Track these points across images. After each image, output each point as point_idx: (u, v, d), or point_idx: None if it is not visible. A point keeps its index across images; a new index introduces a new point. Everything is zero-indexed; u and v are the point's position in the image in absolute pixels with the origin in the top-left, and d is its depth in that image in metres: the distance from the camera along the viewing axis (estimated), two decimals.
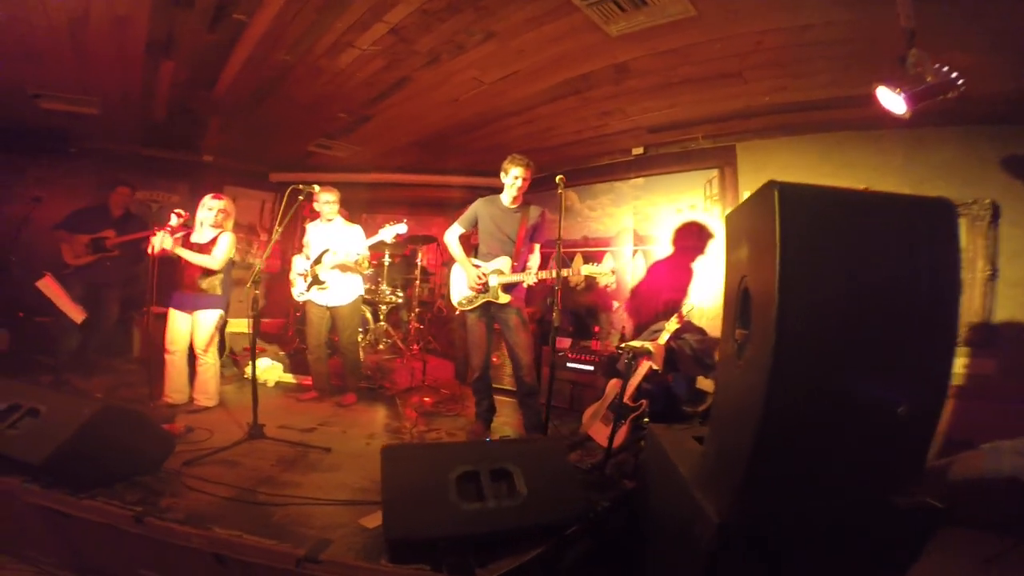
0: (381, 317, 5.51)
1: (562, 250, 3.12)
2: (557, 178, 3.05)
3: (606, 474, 2.86)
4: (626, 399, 3.39)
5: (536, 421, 3.49)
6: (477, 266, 3.50)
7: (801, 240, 1.39)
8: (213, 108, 4.49)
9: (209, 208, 3.74)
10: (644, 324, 4.79)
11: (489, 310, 3.51)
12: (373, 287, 5.39)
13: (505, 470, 2.11)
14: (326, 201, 4.02)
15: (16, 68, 3.66)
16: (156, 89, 4.07)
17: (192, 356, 3.73)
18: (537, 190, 5.94)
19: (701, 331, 3.93)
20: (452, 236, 3.60)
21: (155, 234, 4.45)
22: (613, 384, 3.61)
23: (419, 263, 5.61)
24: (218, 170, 5.86)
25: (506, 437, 3.57)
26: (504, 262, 3.46)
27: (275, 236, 3.60)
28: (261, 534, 1.94)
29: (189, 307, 3.70)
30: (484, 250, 3.55)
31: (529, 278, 3.36)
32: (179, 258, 3.65)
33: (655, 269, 4.92)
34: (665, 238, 4.85)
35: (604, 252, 5.39)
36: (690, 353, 3.76)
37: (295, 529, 2.04)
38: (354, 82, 3.90)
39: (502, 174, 3.46)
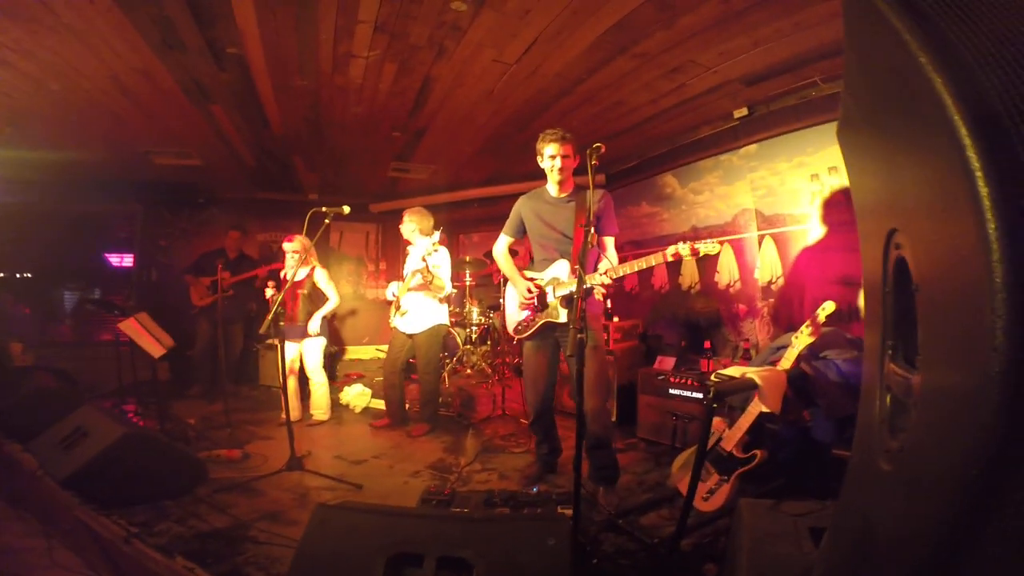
0: (471, 340, 5.20)
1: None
2: (591, 147, 2.06)
3: (678, 552, 2.04)
4: (730, 447, 2.47)
5: (604, 475, 2.73)
6: (531, 279, 2.79)
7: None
8: (285, 146, 4.71)
9: (288, 252, 4.06)
10: (781, 334, 3.64)
11: (552, 334, 2.77)
12: (459, 309, 5.13)
13: (461, 561, 1.54)
14: (402, 224, 4.00)
15: (113, 129, 4.19)
16: (228, 135, 4.36)
17: (305, 379, 4.21)
18: (630, 179, 5.13)
19: (856, 343, 2.71)
20: (499, 248, 2.99)
21: (264, 271, 4.93)
22: (717, 424, 2.60)
23: (503, 279, 5.16)
24: (323, 207, 6.24)
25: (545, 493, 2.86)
26: (562, 267, 2.70)
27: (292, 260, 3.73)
28: (215, 571, 1.97)
29: (297, 337, 4.06)
30: (539, 257, 2.84)
31: (595, 279, 2.48)
32: (287, 295, 4.00)
33: (792, 258, 3.73)
34: (802, 215, 3.63)
35: (721, 243, 4.28)
36: (838, 379, 2.57)
37: (251, 571, 2.00)
38: (382, 95, 3.67)
39: (538, 158, 2.77)
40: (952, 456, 0.58)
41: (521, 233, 2.92)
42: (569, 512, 2.28)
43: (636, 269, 2.45)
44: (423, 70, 3.31)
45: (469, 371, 5.07)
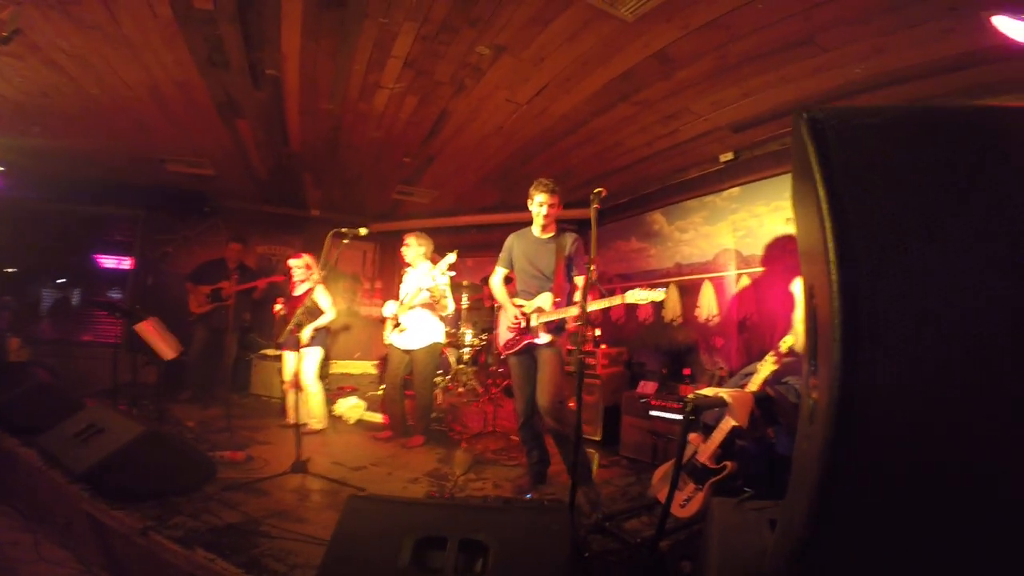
0: (464, 360, 5.38)
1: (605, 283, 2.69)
2: (593, 192, 2.63)
3: (657, 551, 2.27)
4: (704, 459, 2.72)
5: (579, 473, 2.86)
6: (520, 306, 3.18)
7: (864, 191, 0.84)
8: (300, 164, 4.93)
9: (293, 268, 4.31)
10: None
11: (533, 351, 3.13)
12: (454, 330, 5.32)
13: (478, 543, 1.72)
14: (406, 247, 4.18)
15: (136, 137, 4.37)
16: (247, 149, 4.57)
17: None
18: (620, 215, 5.45)
19: (813, 372, 3.01)
20: (495, 279, 3.40)
21: (264, 284, 5.08)
22: (693, 439, 2.91)
23: (495, 304, 5.38)
24: (324, 223, 6.41)
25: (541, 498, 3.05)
26: (545, 299, 3.09)
27: (314, 276, 3.84)
28: (234, 561, 2.04)
29: (295, 347, 4.15)
30: (521, 287, 3.25)
31: (571, 311, 2.94)
32: (285, 306, 4.26)
33: (765, 296, 4.03)
34: (775, 256, 3.96)
35: (701, 280, 4.61)
36: (796, 401, 2.86)
37: (268, 563, 2.07)
38: (400, 124, 3.94)
39: (528, 202, 3.18)
40: (823, 416, 0.83)
41: (511, 265, 3.32)
42: None
43: (608, 305, 2.86)
44: (441, 103, 3.60)
45: (461, 389, 5.22)
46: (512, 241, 3.31)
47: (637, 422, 3.95)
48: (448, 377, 5.22)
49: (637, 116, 3.67)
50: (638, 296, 2.77)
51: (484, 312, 5.76)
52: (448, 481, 3.30)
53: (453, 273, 4.16)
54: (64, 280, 6.11)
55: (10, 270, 5.60)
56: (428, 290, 3.89)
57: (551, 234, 3.18)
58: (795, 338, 2.79)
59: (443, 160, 4.67)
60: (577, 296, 3.07)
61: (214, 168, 5.06)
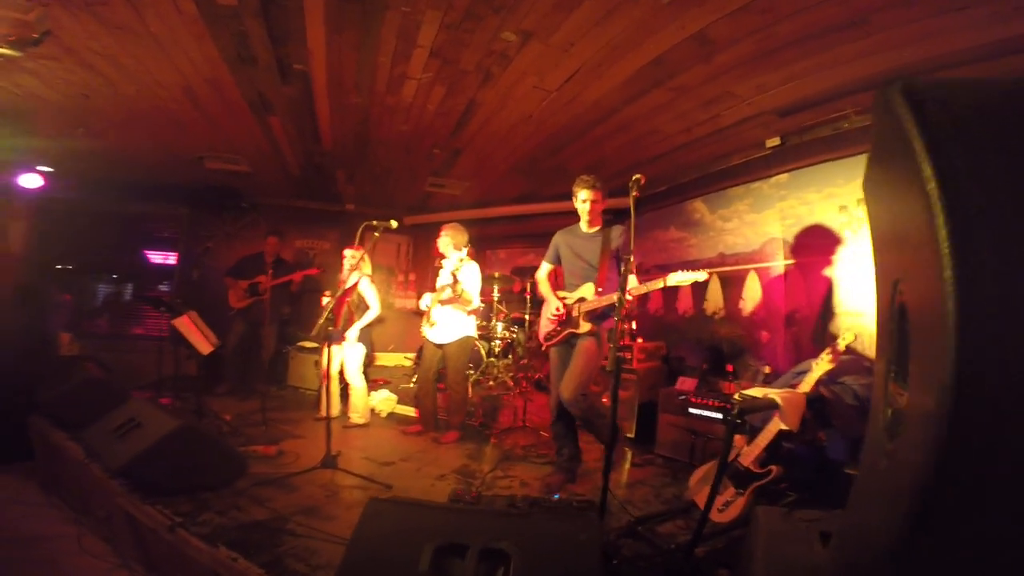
0: (495, 353, 5.33)
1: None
2: (632, 179, 2.51)
3: (693, 558, 2.15)
4: (748, 463, 2.58)
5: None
6: (562, 298, 3.22)
7: (979, 171, 0.71)
8: (331, 160, 4.95)
9: (347, 258, 4.34)
10: (802, 361, 3.71)
11: (574, 341, 3.15)
12: (485, 323, 5.27)
13: (500, 552, 1.66)
14: (440, 238, 4.18)
15: (175, 135, 4.46)
16: (280, 145, 4.60)
17: (344, 381, 4.43)
18: (659, 204, 5.24)
19: (871, 370, 2.81)
20: (540, 273, 3.47)
21: (300, 277, 5.15)
22: (736, 440, 2.74)
23: (527, 295, 5.28)
24: (358, 217, 6.46)
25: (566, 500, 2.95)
26: (587, 289, 3.12)
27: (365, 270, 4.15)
28: (257, 560, 2.04)
29: (340, 340, 4.26)
30: (568, 281, 3.30)
31: (612, 298, 2.82)
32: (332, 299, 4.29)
33: (816, 288, 3.80)
34: (828, 246, 3.71)
35: (746, 271, 4.38)
36: (854, 403, 2.69)
37: (291, 563, 2.07)
38: (428, 115, 3.88)
39: (573, 199, 3.24)
40: (925, 438, 0.71)
41: (558, 261, 3.38)
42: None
43: (647, 290, 2.84)
44: (469, 93, 3.51)
45: (492, 383, 5.18)
46: (559, 238, 3.39)
47: (675, 420, 3.80)
48: (479, 371, 5.18)
49: (674, 102, 3.48)
50: (679, 278, 2.72)
51: (514, 304, 5.69)
52: (476, 479, 3.26)
53: (475, 266, 4.08)
54: (116, 276, 6.39)
55: (65, 267, 5.89)
56: (449, 287, 3.83)
57: (597, 228, 3.23)
58: (853, 335, 2.59)
59: (472, 151, 4.59)
60: (632, 283, 2.98)
61: (250, 165, 5.13)
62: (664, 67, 3.03)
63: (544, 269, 3.45)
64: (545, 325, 3.30)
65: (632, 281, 2.99)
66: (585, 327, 3.04)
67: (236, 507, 2.54)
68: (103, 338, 5.95)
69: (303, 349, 5.54)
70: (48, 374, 3.88)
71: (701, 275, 2.69)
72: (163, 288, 6.44)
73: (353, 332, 4.27)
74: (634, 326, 4.75)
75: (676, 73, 3.09)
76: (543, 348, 3.41)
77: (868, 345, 3.23)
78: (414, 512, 1.88)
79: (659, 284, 2.77)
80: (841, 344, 2.51)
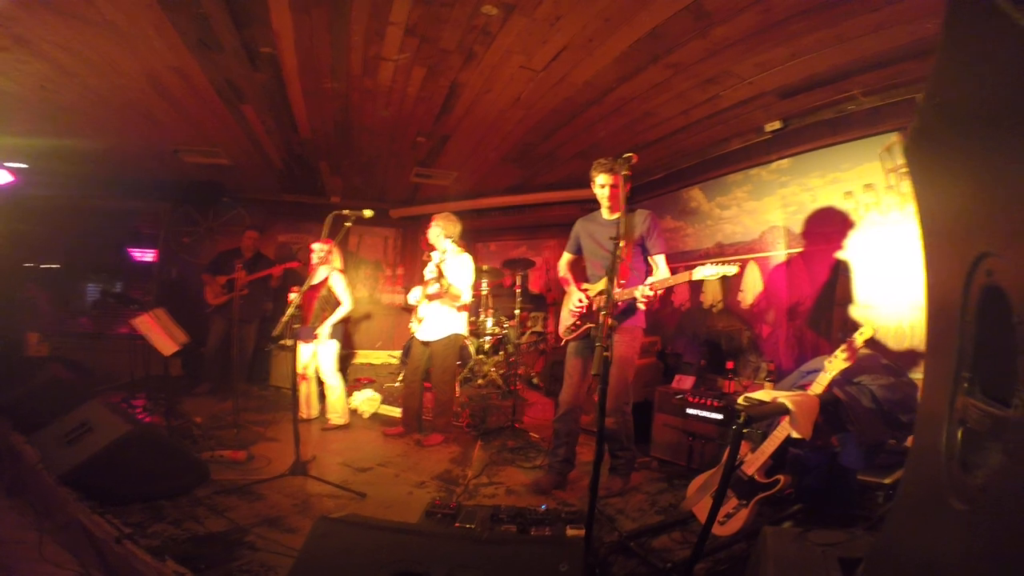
0: (484, 350, 5.12)
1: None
2: (622, 157, 2.37)
3: None
4: (752, 472, 2.37)
5: (618, 473, 3.01)
6: (585, 289, 3.04)
7: None
8: (313, 149, 4.72)
9: (315, 251, 4.06)
10: (807, 357, 3.50)
11: (593, 338, 2.93)
12: (473, 317, 5.06)
13: None
14: (432, 230, 3.95)
15: (146, 128, 4.24)
16: (258, 135, 4.37)
17: (320, 381, 4.23)
18: (655, 192, 5.03)
19: (892, 369, 2.58)
20: (561, 263, 3.30)
21: (279, 271, 4.94)
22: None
23: (517, 289, 5.06)
24: (347, 210, 6.27)
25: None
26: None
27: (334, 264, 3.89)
28: None
29: (308, 338, 4.06)
30: (590, 272, 3.12)
31: (636, 291, 2.73)
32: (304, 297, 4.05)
33: (822, 279, 3.59)
34: (832, 234, 3.50)
35: (745, 261, 4.16)
36: (871, 406, 2.46)
37: None
38: (410, 100, 3.65)
39: (591, 185, 3.00)
40: None
41: (579, 251, 3.18)
42: (579, 532, 2.20)
43: (674, 283, 2.67)
44: (451, 75, 3.29)
45: (480, 381, 4.98)
46: (579, 226, 3.19)
47: (671, 420, 3.59)
48: (467, 368, 4.98)
49: (670, 81, 3.25)
50: (707, 272, 2.49)
51: (505, 298, 5.48)
52: (458, 486, 3.06)
53: (468, 259, 3.86)
54: (101, 274, 6.19)
55: (49, 266, 5.70)
56: (437, 281, 3.60)
57: (619, 214, 2.90)
58: (872, 329, 2.37)
59: (459, 138, 4.36)
60: (656, 276, 2.86)
61: (229, 158, 4.91)
62: (659, 41, 2.80)
63: (565, 259, 3.27)
64: (566, 318, 3.14)
65: (663, 271, 2.88)
66: (610, 321, 2.86)
67: (193, 517, 2.38)
68: (85, 337, 5.75)
69: (285, 347, 5.33)
70: (11, 375, 3.71)
71: (732, 269, 2.47)
72: (147, 287, 6.22)
73: (324, 329, 4.06)
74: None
75: (672, 48, 2.86)
76: (563, 342, 3.24)
77: (884, 340, 3.05)
78: (371, 534, 1.67)
79: (684, 278, 2.57)
80: (859, 339, 2.29)
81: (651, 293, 2.67)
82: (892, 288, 3.11)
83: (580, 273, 3.22)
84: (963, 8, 0.70)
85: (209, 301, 5.04)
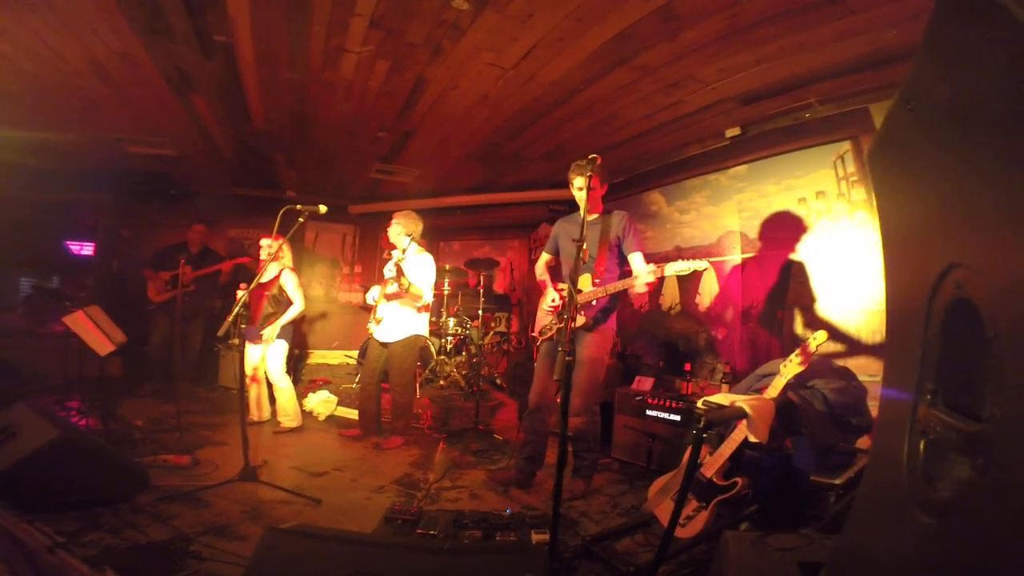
0: (447, 351, 5.04)
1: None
2: (588, 158, 2.43)
3: None
4: (710, 474, 2.41)
5: (581, 475, 3.01)
6: (560, 289, 3.05)
7: None
8: (267, 142, 4.52)
9: (263, 247, 3.94)
10: (760, 359, 3.60)
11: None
12: (435, 318, 4.97)
13: None
14: (391, 227, 3.83)
15: (86, 116, 3.98)
16: (207, 126, 4.16)
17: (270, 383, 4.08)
18: (617, 195, 5.07)
19: (843, 373, 2.68)
20: (539, 264, 3.31)
21: (228, 266, 4.71)
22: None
23: (480, 290, 5.02)
24: (300, 205, 6.06)
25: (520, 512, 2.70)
26: (584, 280, 2.92)
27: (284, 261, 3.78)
28: None
29: (257, 338, 3.92)
30: (565, 272, 3.11)
31: (600, 292, 2.82)
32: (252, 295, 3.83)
33: (774, 283, 3.69)
34: (785, 239, 3.60)
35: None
36: (823, 409, 2.55)
37: None
38: (372, 94, 3.54)
39: (570, 188, 3.02)
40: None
41: (557, 251, 3.21)
42: (544, 537, 2.18)
43: (636, 283, 2.71)
44: (417, 69, 3.21)
45: (442, 382, 4.90)
46: (558, 226, 3.22)
47: (631, 422, 3.63)
48: (428, 369, 4.89)
49: (636, 84, 3.28)
50: (678, 267, 2.58)
51: (468, 298, 5.42)
52: (419, 490, 2.98)
53: (429, 258, 3.78)
54: (34, 268, 5.74)
55: None
56: (397, 280, 3.49)
57: (597, 215, 3.06)
58: (825, 335, 2.46)
59: (423, 135, 4.27)
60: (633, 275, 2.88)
61: (176, 148, 4.64)
62: (628, 43, 2.81)
63: (543, 260, 3.28)
64: (541, 317, 3.14)
65: (639, 268, 2.89)
66: (580, 319, 2.88)
67: (133, 525, 2.26)
68: (15, 335, 5.31)
69: (234, 347, 5.10)
70: None
71: (702, 264, 2.56)
72: (86, 281, 5.81)
73: (272, 330, 3.91)
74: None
75: (640, 51, 2.89)
76: (537, 342, 3.21)
77: (834, 343, 3.17)
78: (323, 545, 1.59)
79: (657, 274, 2.62)
80: (813, 344, 2.36)
81: (601, 294, 2.79)
82: (841, 292, 3.23)
83: (558, 274, 3.23)
84: (955, 4, 0.70)
85: (151, 298, 4.76)
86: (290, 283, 4.00)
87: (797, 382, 2.50)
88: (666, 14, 2.52)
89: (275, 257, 3.82)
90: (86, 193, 5.68)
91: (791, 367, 2.40)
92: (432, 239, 6.08)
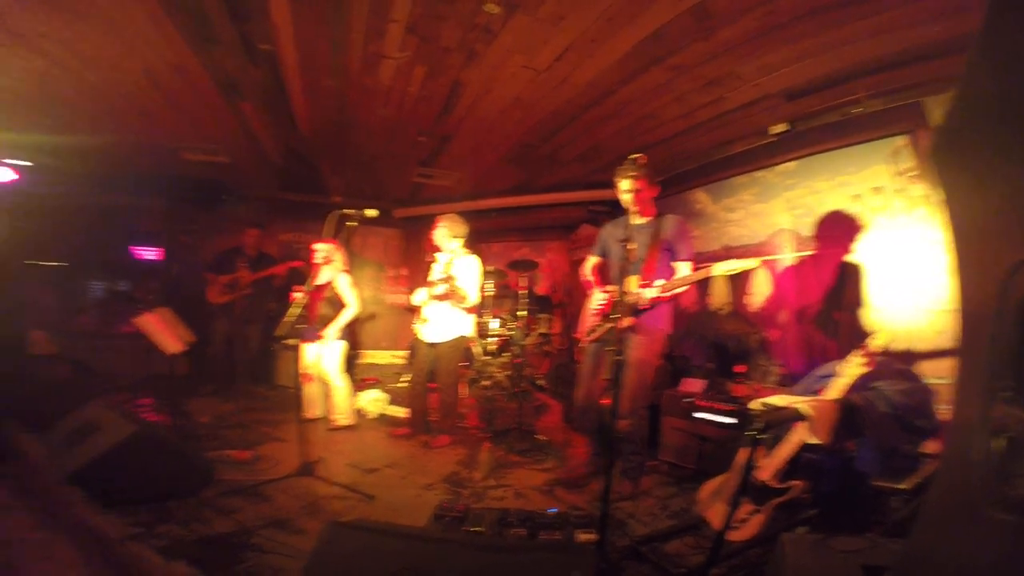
0: (490, 351, 5.10)
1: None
2: (629, 159, 2.42)
3: None
4: (766, 476, 2.35)
5: (628, 476, 3.01)
6: (608, 292, 3.05)
7: None
8: (312, 148, 4.70)
9: (316, 251, 4.04)
10: (817, 361, 3.47)
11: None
12: (479, 319, 5.04)
13: None
14: (437, 231, 3.91)
15: (144, 126, 4.23)
16: (256, 133, 4.35)
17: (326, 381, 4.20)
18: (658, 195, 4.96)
19: (907, 374, 2.59)
20: (585, 265, 3.31)
21: (283, 270, 4.93)
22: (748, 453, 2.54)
23: (523, 291, 5.04)
24: (350, 210, 6.25)
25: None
26: (632, 283, 2.89)
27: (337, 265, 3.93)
28: None
29: (314, 338, 4.07)
30: (613, 275, 3.11)
31: (651, 292, 2.78)
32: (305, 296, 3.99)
33: (831, 282, 3.55)
34: (840, 237, 3.46)
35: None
36: (887, 410, 2.47)
37: None
38: (410, 99, 3.62)
39: (616, 192, 2.99)
40: None
41: (604, 254, 3.20)
42: (589, 537, 2.18)
43: (692, 281, 2.76)
44: (452, 74, 3.26)
45: (486, 383, 4.96)
46: (605, 230, 3.22)
47: (680, 424, 3.55)
48: (472, 370, 4.96)
49: (672, 83, 3.22)
50: (729, 266, 2.53)
51: (510, 299, 5.45)
52: (465, 488, 3.04)
53: (476, 260, 3.84)
54: (105, 272, 6.17)
55: (55, 264, 5.68)
56: (444, 282, 3.58)
57: (648, 219, 3.00)
58: (888, 334, 2.36)
59: (460, 138, 4.33)
60: (680, 274, 2.86)
61: (229, 156, 4.88)
62: (662, 43, 2.77)
63: (591, 262, 3.27)
64: (588, 320, 3.14)
65: (684, 269, 2.87)
66: (627, 322, 2.84)
67: (200, 518, 2.39)
68: (89, 336, 5.69)
69: (290, 347, 5.31)
70: (17, 374, 3.68)
71: (753, 262, 2.50)
72: (154, 285, 6.20)
73: (331, 331, 4.06)
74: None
75: (675, 50, 2.84)
76: (583, 343, 3.23)
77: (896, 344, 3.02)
78: (379, 539, 1.65)
79: (703, 274, 2.58)
80: (873, 345, 2.28)
81: (653, 295, 2.72)
82: (903, 291, 3.08)
83: (607, 277, 3.22)
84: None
85: (212, 300, 5.03)
86: (345, 285, 4.15)
87: (860, 383, 2.42)
88: (699, 13, 2.48)
89: (328, 261, 3.96)
90: (146, 199, 6.03)
91: (853, 368, 2.33)
92: (472, 241, 6.17)
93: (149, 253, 6.14)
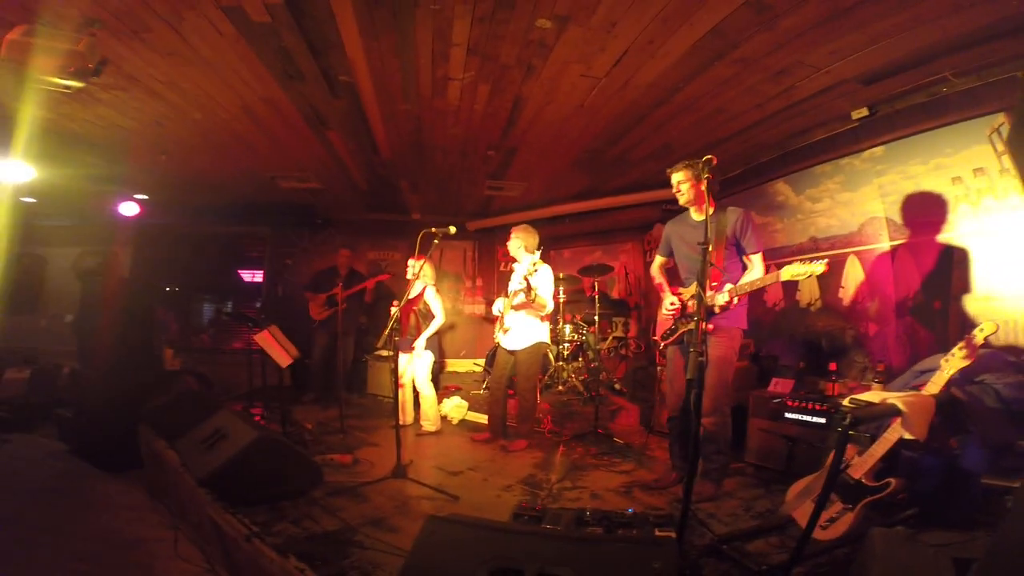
0: (564, 357, 5.15)
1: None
2: (702, 161, 2.31)
3: None
4: (859, 475, 2.26)
5: (710, 478, 2.89)
6: (678, 293, 3.00)
7: None
8: (392, 169, 5.02)
9: (410, 267, 4.33)
10: (920, 355, 3.21)
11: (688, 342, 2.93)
12: (552, 325, 5.12)
13: None
14: (511, 242, 4.06)
15: (245, 156, 4.71)
16: (343, 159, 4.72)
17: (415, 390, 4.47)
18: (735, 189, 4.79)
19: (1019, 367, 2.39)
20: (654, 267, 3.29)
21: (371, 284, 5.30)
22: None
23: (595, 295, 5.05)
24: (426, 226, 6.56)
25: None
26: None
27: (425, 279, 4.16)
28: (322, 572, 2.05)
29: (406, 349, 4.30)
30: (683, 275, 3.09)
31: (721, 297, 2.68)
32: (403, 311, 4.29)
33: (932, 271, 3.28)
34: (940, 222, 3.19)
35: (844, 255, 3.88)
36: (996, 405, 2.29)
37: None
38: (477, 116, 3.81)
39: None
40: None
41: (670, 253, 3.15)
42: (667, 534, 2.17)
43: (759, 286, 2.62)
44: (514, 89, 3.40)
45: (561, 388, 5.02)
46: (669, 228, 3.16)
47: (767, 425, 3.41)
48: (547, 375, 5.03)
49: (739, 76, 3.15)
50: (795, 271, 2.41)
51: (584, 304, 5.48)
52: (542, 490, 3.11)
53: (547, 269, 3.93)
54: (215, 295, 6.96)
55: (172, 288, 6.51)
56: (523, 291, 3.69)
57: (706, 214, 2.94)
58: (995, 325, 2.17)
59: (526, 149, 4.47)
60: (750, 276, 2.76)
61: (319, 181, 5.34)
62: (723, 38, 2.73)
63: (657, 262, 3.25)
64: (662, 322, 3.12)
65: (757, 271, 2.77)
66: (704, 327, 2.82)
67: (309, 517, 2.58)
68: (205, 352, 6.41)
69: (380, 358, 5.69)
70: (153, 386, 4.16)
71: (819, 267, 2.35)
72: (256, 305, 6.90)
73: (420, 341, 4.30)
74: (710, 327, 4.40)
75: (737, 43, 2.78)
76: (661, 346, 3.21)
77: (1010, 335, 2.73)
78: (471, 531, 1.77)
79: (772, 279, 2.50)
80: (980, 336, 2.11)
81: (724, 301, 2.64)
82: (1013, 278, 2.78)
83: (676, 276, 3.17)
84: None
85: (313, 316, 5.50)
86: (433, 298, 4.40)
87: (963, 377, 2.25)
88: (758, 5, 2.43)
89: (419, 275, 4.22)
90: (249, 227, 6.71)
91: (954, 361, 2.17)
92: (544, 248, 6.27)
93: (254, 276, 6.84)
